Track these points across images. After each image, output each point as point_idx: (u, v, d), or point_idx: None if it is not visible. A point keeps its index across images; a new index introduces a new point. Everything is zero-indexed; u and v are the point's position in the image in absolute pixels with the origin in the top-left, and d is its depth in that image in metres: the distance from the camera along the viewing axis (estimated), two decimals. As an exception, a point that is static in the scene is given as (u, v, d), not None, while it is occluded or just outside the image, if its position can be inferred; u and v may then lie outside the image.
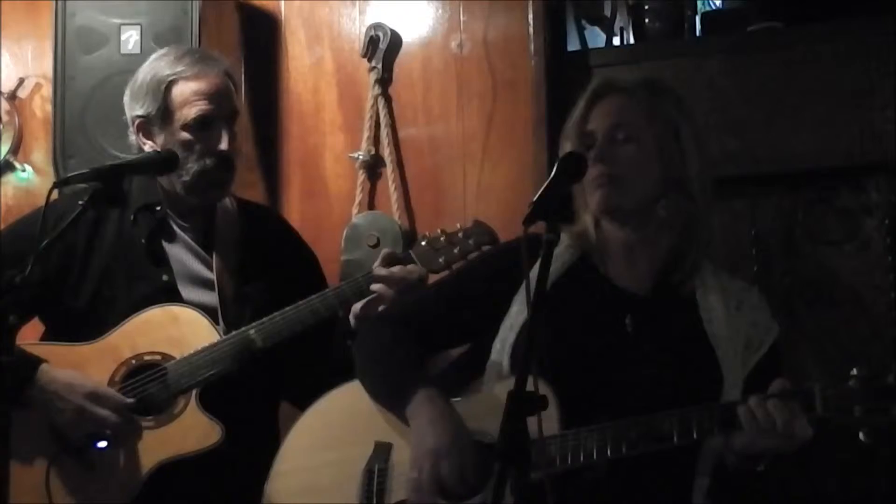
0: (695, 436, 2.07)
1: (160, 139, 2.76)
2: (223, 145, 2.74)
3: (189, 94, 2.74)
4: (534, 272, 2.29)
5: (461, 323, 2.40)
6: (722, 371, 2.22)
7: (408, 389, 2.25)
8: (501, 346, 2.29)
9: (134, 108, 2.78)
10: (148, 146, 2.77)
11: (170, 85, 2.74)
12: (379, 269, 2.68)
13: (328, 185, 3.52)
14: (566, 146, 2.32)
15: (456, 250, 2.69)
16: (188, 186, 2.76)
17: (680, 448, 2.09)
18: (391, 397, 2.30)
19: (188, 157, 2.73)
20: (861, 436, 2.00)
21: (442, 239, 2.71)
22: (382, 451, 2.28)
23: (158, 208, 2.81)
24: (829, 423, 2.03)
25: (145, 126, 2.77)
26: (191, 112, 2.72)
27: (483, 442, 2.19)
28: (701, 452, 2.19)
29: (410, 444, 2.21)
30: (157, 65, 2.79)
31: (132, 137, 2.81)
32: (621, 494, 2.17)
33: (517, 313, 2.29)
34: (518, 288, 2.29)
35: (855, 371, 2.02)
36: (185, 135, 2.73)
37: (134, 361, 2.70)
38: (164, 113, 2.74)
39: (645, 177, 2.27)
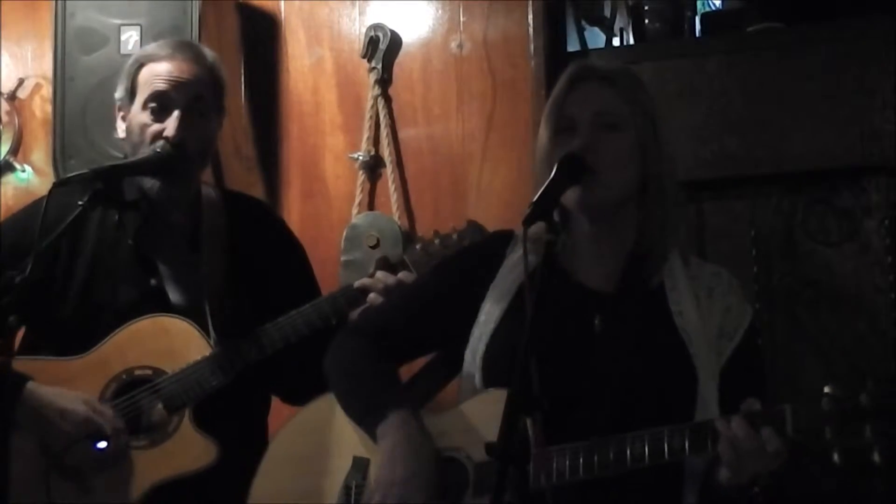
0: (666, 457, 1.98)
1: (126, 120, 2.71)
2: (169, 131, 2.61)
3: (150, 76, 2.67)
4: (506, 268, 2.26)
5: (431, 330, 2.33)
6: (696, 366, 2.13)
7: (380, 408, 2.18)
8: (472, 358, 2.22)
9: (116, 93, 2.74)
10: (121, 129, 2.72)
11: (140, 67, 2.69)
12: (363, 279, 2.62)
13: (328, 185, 3.52)
14: (543, 133, 2.23)
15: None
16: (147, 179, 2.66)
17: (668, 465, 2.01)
18: (364, 414, 2.23)
19: (142, 143, 2.64)
20: (835, 458, 1.87)
21: (436, 242, 2.63)
22: (360, 467, 2.23)
23: (141, 207, 2.70)
24: (800, 446, 1.92)
25: (120, 108, 2.73)
26: (147, 91, 2.65)
27: (457, 459, 2.14)
28: (684, 475, 2.10)
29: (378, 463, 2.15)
30: (140, 51, 2.77)
31: None
32: None
33: (485, 322, 2.22)
34: (485, 291, 2.24)
35: (827, 389, 1.89)
36: (142, 116, 2.65)
37: (124, 376, 2.61)
38: (130, 94, 2.69)
39: (627, 171, 2.18)
